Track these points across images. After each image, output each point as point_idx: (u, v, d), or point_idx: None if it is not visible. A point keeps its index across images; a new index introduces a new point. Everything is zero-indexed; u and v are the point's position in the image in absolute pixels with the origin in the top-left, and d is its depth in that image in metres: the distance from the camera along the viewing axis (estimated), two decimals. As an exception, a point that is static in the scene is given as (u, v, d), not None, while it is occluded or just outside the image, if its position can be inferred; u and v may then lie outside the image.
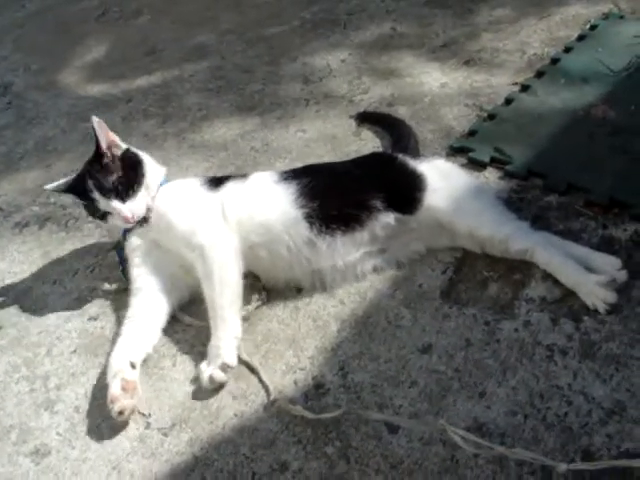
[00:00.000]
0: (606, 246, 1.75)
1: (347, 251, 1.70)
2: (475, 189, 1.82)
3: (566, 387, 1.45)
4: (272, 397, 1.51)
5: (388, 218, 1.71)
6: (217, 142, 2.42)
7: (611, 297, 1.56)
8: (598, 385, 1.45)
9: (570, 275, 1.61)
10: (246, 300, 1.70)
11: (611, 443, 1.34)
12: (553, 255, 1.64)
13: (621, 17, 2.77)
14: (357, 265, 1.73)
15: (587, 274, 1.60)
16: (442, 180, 1.78)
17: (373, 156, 2.00)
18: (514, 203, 1.90)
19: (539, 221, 1.84)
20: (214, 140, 2.43)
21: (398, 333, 1.62)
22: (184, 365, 1.65)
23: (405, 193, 1.75)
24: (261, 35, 3.09)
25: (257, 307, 1.73)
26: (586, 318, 1.57)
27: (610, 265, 1.64)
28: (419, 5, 3.16)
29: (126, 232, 1.77)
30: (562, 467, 1.24)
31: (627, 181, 1.93)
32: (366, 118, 2.37)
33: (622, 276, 1.62)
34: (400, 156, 1.86)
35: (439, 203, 1.73)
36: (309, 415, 1.45)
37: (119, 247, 1.85)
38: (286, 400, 1.50)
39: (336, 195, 1.73)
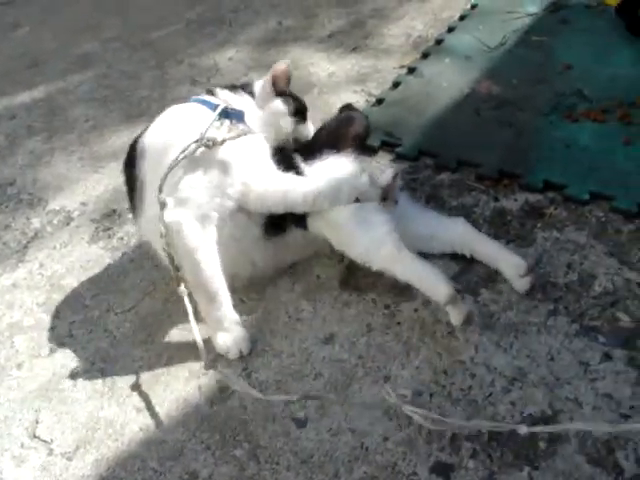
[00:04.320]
0: (499, 217, 1.78)
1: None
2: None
3: (469, 361, 1.46)
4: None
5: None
6: (107, 152, 2.35)
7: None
8: (499, 355, 1.46)
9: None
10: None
11: (515, 410, 1.36)
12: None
13: (499, -6, 2.83)
14: None
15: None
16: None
17: None
18: (407, 184, 1.91)
19: (433, 200, 1.86)
20: (104, 150, 2.36)
21: (299, 326, 1.60)
22: (85, 384, 1.59)
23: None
24: (146, 40, 3.03)
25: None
26: (483, 290, 1.59)
27: (515, 268, 1.59)
28: (304, -3, 3.16)
29: None
30: (523, 429, 1.22)
31: (514, 153, 1.97)
32: None
33: (524, 284, 1.58)
34: None
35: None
36: (257, 395, 1.42)
37: None
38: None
39: None
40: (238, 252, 1.63)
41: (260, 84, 1.78)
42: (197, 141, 1.51)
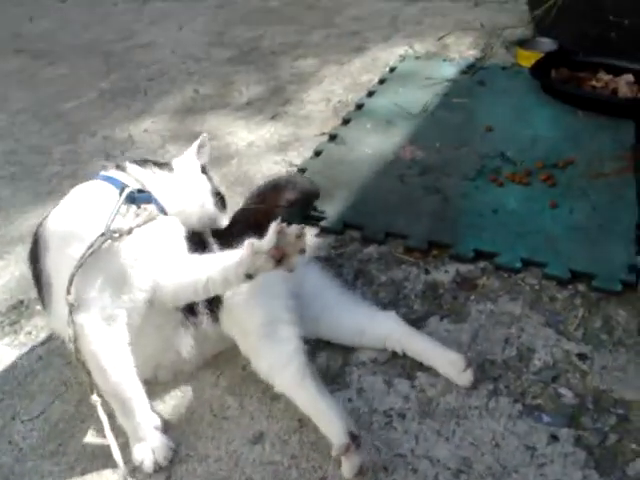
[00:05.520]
0: (431, 291, 1.71)
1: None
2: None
3: (409, 454, 1.36)
4: None
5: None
6: (13, 236, 2.18)
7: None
8: (441, 444, 1.37)
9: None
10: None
11: (462, 506, 1.26)
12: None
13: (417, 58, 2.85)
14: None
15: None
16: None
17: None
18: (334, 260, 1.82)
19: (361, 275, 1.78)
20: (9, 234, 2.20)
21: (225, 425, 1.46)
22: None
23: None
24: (57, 111, 2.90)
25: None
26: (419, 373, 1.50)
27: (453, 365, 1.48)
28: (221, 64, 3.11)
29: None
30: None
31: (442, 221, 1.91)
32: None
33: (467, 378, 1.47)
34: None
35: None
36: None
37: None
38: None
39: None
40: (161, 340, 1.49)
41: (180, 159, 1.70)
42: (103, 234, 1.38)
